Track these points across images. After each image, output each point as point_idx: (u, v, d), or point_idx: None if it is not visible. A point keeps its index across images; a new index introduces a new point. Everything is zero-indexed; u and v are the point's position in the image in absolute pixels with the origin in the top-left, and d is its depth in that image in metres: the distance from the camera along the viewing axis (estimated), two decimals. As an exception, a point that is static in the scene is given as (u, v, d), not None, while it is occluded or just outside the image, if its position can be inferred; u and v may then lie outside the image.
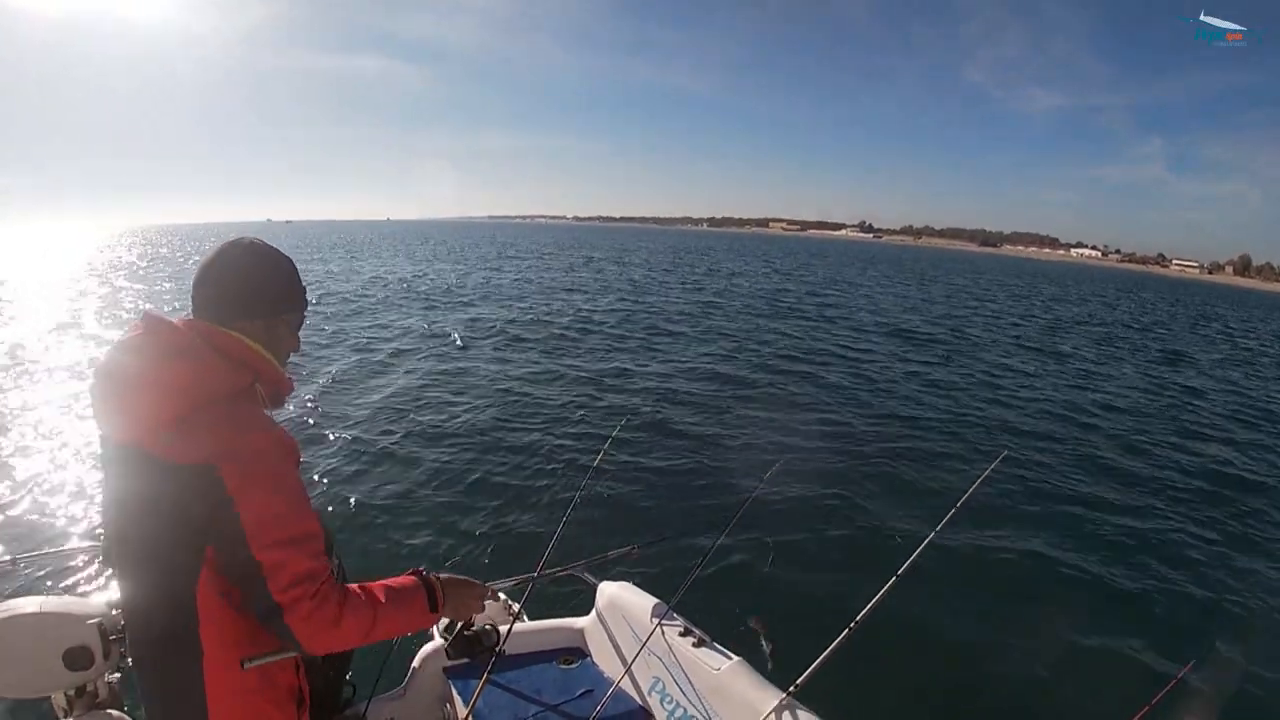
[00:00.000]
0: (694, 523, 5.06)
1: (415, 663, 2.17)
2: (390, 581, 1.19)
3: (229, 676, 1.08)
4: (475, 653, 1.72)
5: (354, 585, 1.12)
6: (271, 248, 1.24)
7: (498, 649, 1.80)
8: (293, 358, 1.28)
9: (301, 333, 1.29)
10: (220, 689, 1.08)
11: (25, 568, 3.66)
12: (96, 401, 1.09)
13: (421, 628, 1.26)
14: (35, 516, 4.72)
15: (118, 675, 1.77)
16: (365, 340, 12.10)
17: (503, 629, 2.06)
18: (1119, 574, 4.90)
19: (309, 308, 1.32)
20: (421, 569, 1.27)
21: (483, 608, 1.41)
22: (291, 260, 1.27)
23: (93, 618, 1.62)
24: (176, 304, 15.93)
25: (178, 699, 1.10)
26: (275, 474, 1.05)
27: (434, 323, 14.27)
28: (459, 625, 1.70)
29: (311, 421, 7.09)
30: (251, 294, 1.18)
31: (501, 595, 2.39)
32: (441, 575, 1.30)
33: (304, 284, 1.29)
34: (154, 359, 1.05)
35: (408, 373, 9.62)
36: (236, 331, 1.15)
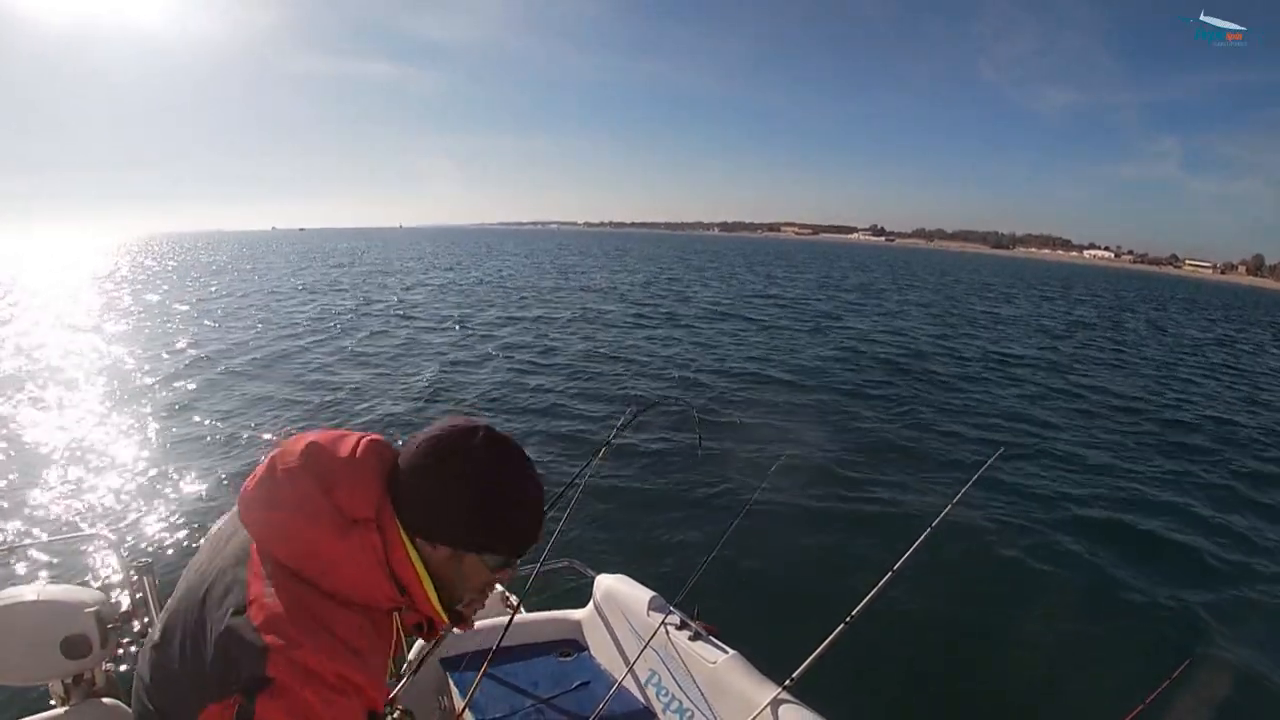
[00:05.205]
0: (694, 518, 5.06)
1: (411, 654, 2.16)
2: None
3: None
4: None
5: None
6: (492, 454, 0.88)
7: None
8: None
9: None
10: None
11: (24, 556, 3.69)
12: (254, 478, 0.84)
13: None
14: (34, 505, 4.74)
15: (113, 665, 1.77)
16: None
17: (501, 621, 2.06)
18: (1116, 571, 4.88)
19: None
20: None
21: None
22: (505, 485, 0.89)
23: (91, 606, 1.61)
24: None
25: None
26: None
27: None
28: None
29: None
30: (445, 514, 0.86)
31: (498, 586, 2.38)
32: None
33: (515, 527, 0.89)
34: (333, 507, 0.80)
35: (406, 373, 9.61)
36: (418, 549, 0.86)
